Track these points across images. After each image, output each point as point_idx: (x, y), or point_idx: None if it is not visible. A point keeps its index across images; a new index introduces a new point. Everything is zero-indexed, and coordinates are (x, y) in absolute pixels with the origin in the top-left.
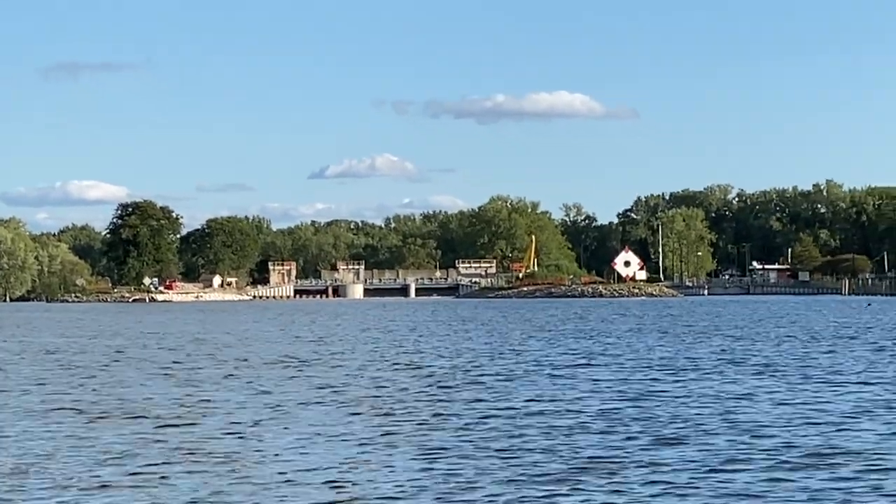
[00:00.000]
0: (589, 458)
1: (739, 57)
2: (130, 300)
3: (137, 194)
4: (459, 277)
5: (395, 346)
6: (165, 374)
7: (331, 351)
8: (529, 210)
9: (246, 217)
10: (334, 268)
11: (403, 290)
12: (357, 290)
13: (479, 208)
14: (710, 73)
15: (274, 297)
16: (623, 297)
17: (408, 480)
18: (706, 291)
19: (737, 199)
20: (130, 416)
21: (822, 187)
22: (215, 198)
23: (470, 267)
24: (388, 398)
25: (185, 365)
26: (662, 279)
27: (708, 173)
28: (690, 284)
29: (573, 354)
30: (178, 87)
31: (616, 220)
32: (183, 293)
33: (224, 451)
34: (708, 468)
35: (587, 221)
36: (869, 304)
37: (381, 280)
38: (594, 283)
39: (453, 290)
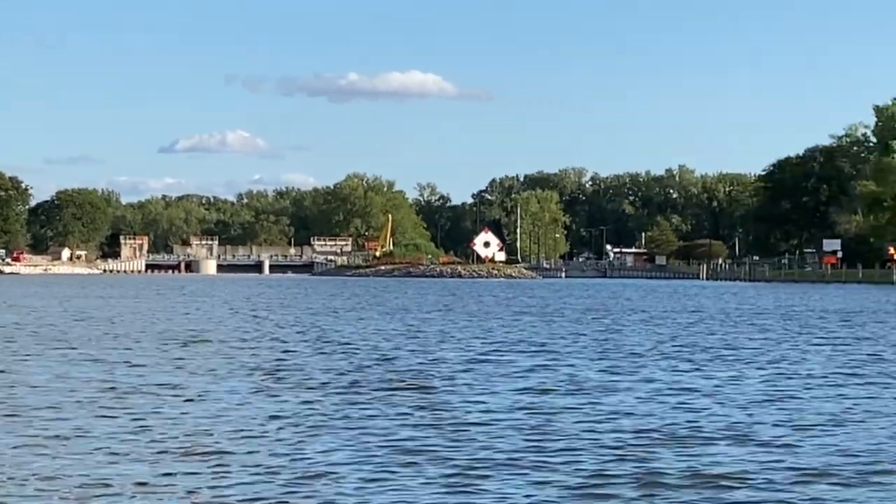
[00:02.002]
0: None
1: (593, 40)
2: None
3: None
4: (315, 255)
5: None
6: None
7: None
8: (385, 189)
9: (95, 189)
10: (186, 243)
11: (258, 267)
12: (210, 266)
13: (335, 186)
14: (564, 57)
15: (125, 271)
16: (482, 277)
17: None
18: (564, 274)
19: (591, 182)
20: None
21: (674, 173)
22: (63, 170)
23: (325, 245)
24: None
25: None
26: (520, 261)
27: (562, 156)
28: (548, 267)
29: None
30: (26, 58)
31: (470, 201)
32: (31, 265)
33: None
34: None
35: (441, 201)
36: None
37: (234, 256)
38: (453, 263)
39: (308, 267)
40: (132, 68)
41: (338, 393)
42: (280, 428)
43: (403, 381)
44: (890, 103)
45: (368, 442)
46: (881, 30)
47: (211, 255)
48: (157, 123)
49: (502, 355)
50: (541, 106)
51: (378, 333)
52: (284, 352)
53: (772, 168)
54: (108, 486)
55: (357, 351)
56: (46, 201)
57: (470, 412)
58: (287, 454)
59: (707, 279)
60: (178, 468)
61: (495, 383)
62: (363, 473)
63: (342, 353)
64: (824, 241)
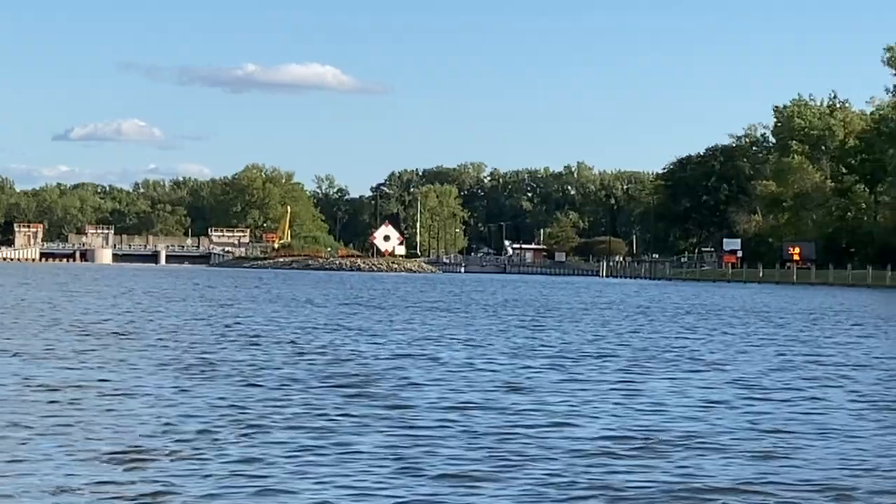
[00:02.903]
0: None
1: (492, 34)
2: None
3: None
4: (212, 246)
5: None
6: None
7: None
8: (284, 180)
9: None
10: (81, 231)
11: (154, 257)
12: (106, 255)
13: (233, 176)
14: (463, 51)
15: (19, 259)
16: (382, 271)
17: None
18: (463, 269)
19: (489, 177)
20: None
21: (572, 169)
22: None
23: (223, 236)
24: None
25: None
26: (419, 255)
27: (461, 151)
28: (448, 261)
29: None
30: None
31: (369, 194)
32: None
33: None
34: None
35: (339, 194)
36: None
37: (130, 246)
38: (352, 256)
39: (205, 258)
40: (27, 55)
41: (272, 388)
42: (209, 426)
43: (338, 376)
44: (789, 104)
45: (307, 440)
46: (781, 30)
47: (106, 244)
48: (52, 111)
49: (433, 350)
50: (440, 100)
51: (300, 327)
52: (204, 345)
53: (672, 166)
54: (27, 492)
55: (283, 345)
56: None
57: (411, 408)
58: (221, 453)
59: (607, 276)
60: (104, 471)
61: (435, 379)
62: (299, 473)
63: (266, 347)
64: (725, 240)
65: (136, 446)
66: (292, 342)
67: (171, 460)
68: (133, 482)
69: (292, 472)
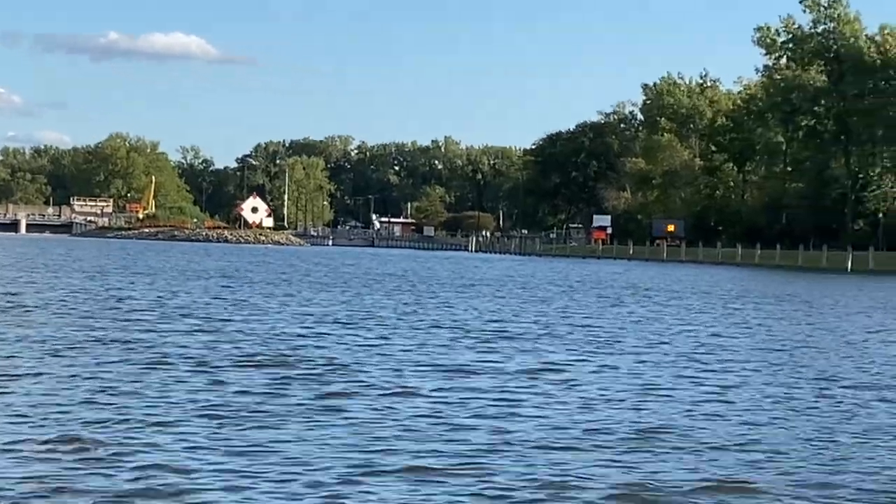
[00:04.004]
0: None
1: (361, 7)
2: None
3: None
4: (74, 216)
5: None
6: None
7: None
8: (148, 150)
9: None
10: None
11: (14, 226)
12: None
13: (97, 145)
14: (330, 23)
15: None
16: (250, 243)
17: None
18: (331, 242)
19: (356, 150)
20: None
21: (440, 143)
22: None
23: (85, 205)
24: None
25: None
26: (287, 227)
27: (328, 123)
28: (315, 234)
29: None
30: None
31: (234, 165)
32: None
33: None
34: None
35: (205, 165)
36: None
37: None
38: (219, 227)
39: (67, 227)
40: None
41: (174, 369)
42: (110, 414)
43: (247, 356)
44: (658, 81)
45: (216, 427)
46: (653, 8)
47: None
48: None
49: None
50: (306, 72)
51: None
52: (95, 321)
53: (542, 142)
54: None
55: (183, 322)
56: None
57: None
58: (125, 446)
59: (476, 251)
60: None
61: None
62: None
63: (163, 324)
64: (595, 216)
65: (28, 438)
66: (205, 319)
67: (69, 453)
68: (28, 478)
69: (201, 464)
